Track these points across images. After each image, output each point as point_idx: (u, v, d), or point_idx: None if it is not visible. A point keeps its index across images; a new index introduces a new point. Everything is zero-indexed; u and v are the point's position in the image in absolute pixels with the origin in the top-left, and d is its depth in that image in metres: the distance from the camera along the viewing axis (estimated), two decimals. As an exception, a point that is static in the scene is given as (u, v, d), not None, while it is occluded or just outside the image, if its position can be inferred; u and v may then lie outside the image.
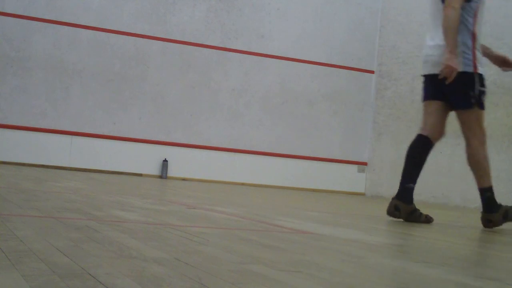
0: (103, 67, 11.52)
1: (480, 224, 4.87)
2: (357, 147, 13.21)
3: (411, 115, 12.23)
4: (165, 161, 11.69)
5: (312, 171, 12.83)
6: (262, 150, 12.53)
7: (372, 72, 13.29)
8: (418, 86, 12.49)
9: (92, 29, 11.47)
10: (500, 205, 4.72)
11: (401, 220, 4.84)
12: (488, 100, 10.67)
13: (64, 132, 11.19)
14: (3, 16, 10.91)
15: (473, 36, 4.70)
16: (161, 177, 11.66)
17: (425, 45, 5.01)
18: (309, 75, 12.93)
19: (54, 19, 11.23)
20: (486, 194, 4.73)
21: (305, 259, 2.34)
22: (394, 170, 12.65)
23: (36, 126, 11.04)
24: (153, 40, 11.85)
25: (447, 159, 11.10)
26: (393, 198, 4.84)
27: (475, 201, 11.13)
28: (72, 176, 8.49)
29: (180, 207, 4.53)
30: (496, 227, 4.78)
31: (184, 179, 11.85)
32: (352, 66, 13.20)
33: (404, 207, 4.75)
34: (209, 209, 4.64)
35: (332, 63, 13.07)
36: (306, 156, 12.83)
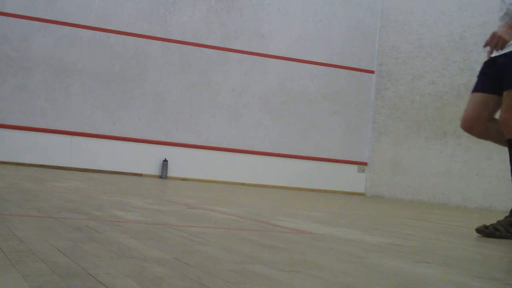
0: (103, 67, 11.52)
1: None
2: (357, 147, 13.21)
3: (411, 115, 12.23)
4: (165, 161, 11.69)
5: (312, 171, 12.83)
6: (262, 150, 12.53)
7: (372, 72, 13.29)
8: (418, 86, 12.54)
9: (92, 29, 11.47)
10: None
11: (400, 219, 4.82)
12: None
13: (64, 132, 11.19)
14: (3, 16, 10.91)
15: None
16: (161, 177, 11.66)
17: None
18: (309, 75, 12.93)
19: (54, 19, 11.22)
20: None
21: (305, 259, 2.34)
22: (394, 170, 12.65)
23: (36, 126, 11.04)
24: (153, 40, 11.85)
25: (447, 159, 11.08)
26: None
27: (475, 201, 11.15)
28: (72, 176, 8.49)
29: (180, 207, 4.53)
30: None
31: (184, 179, 11.84)
32: (352, 66, 13.20)
33: None
34: (209, 209, 4.64)
35: (332, 63, 13.07)
36: (306, 156, 12.83)
